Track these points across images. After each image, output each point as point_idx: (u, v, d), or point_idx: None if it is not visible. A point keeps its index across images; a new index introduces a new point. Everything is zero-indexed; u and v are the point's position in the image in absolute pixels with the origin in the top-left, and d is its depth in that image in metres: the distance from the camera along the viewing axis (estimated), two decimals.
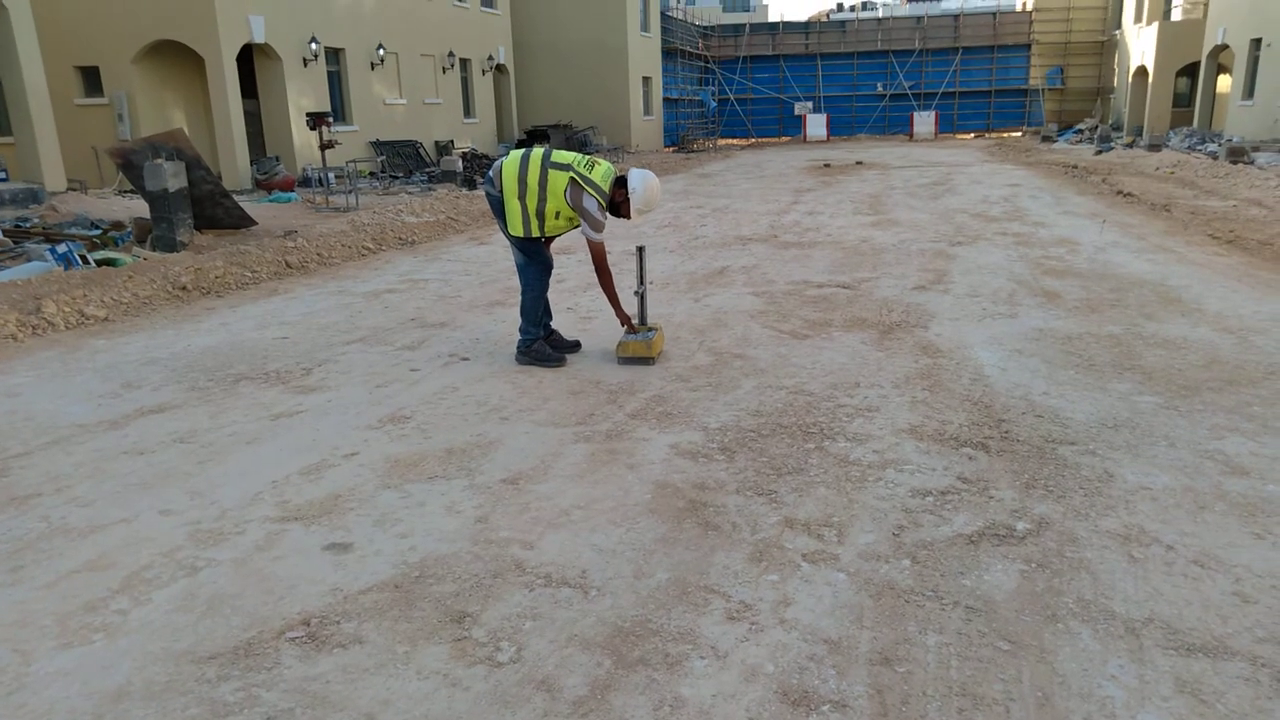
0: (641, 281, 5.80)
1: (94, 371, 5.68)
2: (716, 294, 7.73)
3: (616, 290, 5.65)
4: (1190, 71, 29.47)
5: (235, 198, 12.92)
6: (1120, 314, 6.52)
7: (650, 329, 5.79)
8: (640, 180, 5.43)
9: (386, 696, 2.40)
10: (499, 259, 9.73)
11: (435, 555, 3.18)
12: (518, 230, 5.45)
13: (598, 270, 5.54)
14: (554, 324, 6.01)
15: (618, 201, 5.46)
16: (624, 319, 5.70)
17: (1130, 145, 26.64)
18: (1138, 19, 32.71)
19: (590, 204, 5.31)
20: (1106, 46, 37.47)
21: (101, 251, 10.42)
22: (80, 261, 9.61)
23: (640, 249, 5.79)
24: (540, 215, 5.39)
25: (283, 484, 3.83)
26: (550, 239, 5.71)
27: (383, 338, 6.43)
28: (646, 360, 5.59)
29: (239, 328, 6.84)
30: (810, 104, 39.25)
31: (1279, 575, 2.92)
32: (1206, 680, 2.41)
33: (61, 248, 9.69)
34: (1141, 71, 31.65)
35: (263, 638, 2.68)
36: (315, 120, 16.23)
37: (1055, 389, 4.88)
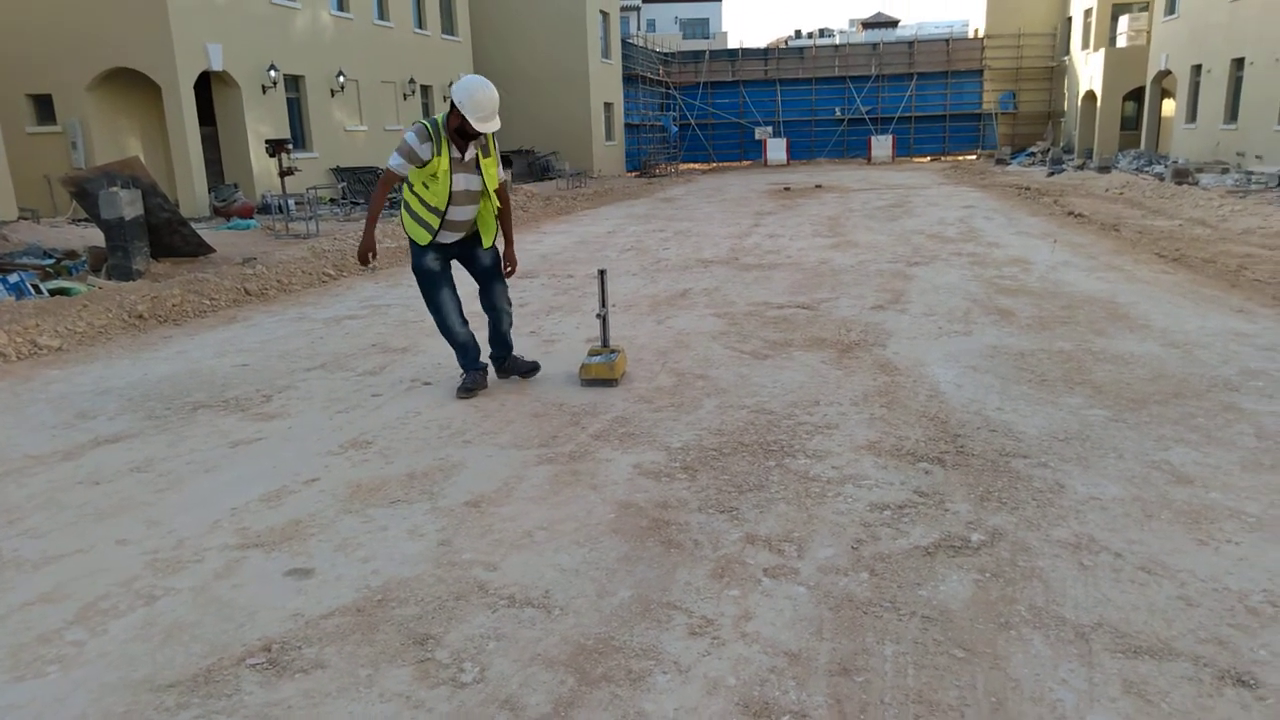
0: (604, 304, 5.85)
1: (47, 402, 5.59)
2: (679, 316, 7.81)
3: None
4: (1137, 96, 30.42)
5: (193, 225, 12.79)
6: (1071, 330, 6.70)
7: (613, 351, 5.83)
8: (463, 89, 4.97)
9: (350, 718, 2.39)
10: (461, 285, 9.70)
11: (398, 578, 3.18)
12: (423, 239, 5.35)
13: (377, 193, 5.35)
14: (513, 344, 5.98)
15: (459, 127, 5.03)
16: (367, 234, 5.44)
17: (1081, 167, 27.37)
18: (1085, 45, 33.73)
19: (407, 135, 5.05)
20: (1056, 72, 38.54)
21: (55, 281, 10.24)
22: (33, 291, 9.45)
23: (602, 272, 5.85)
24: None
25: (242, 511, 3.80)
26: (450, 253, 5.54)
27: (344, 364, 6.41)
28: (609, 382, 5.63)
29: (197, 355, 6.76)
30: (770, 129, 39.78)
31: (1221, 579, 3.02)
32: (1152, 681, 2.48)
33: (13, 277, 9.51)
34: (1090, 96, 32.60)
35: (222, 665, 2.66)
36: (275, 147, 16.15)
37: (1009, 404, 5.00)
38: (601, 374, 5.64)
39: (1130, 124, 31.79)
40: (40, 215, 16.30)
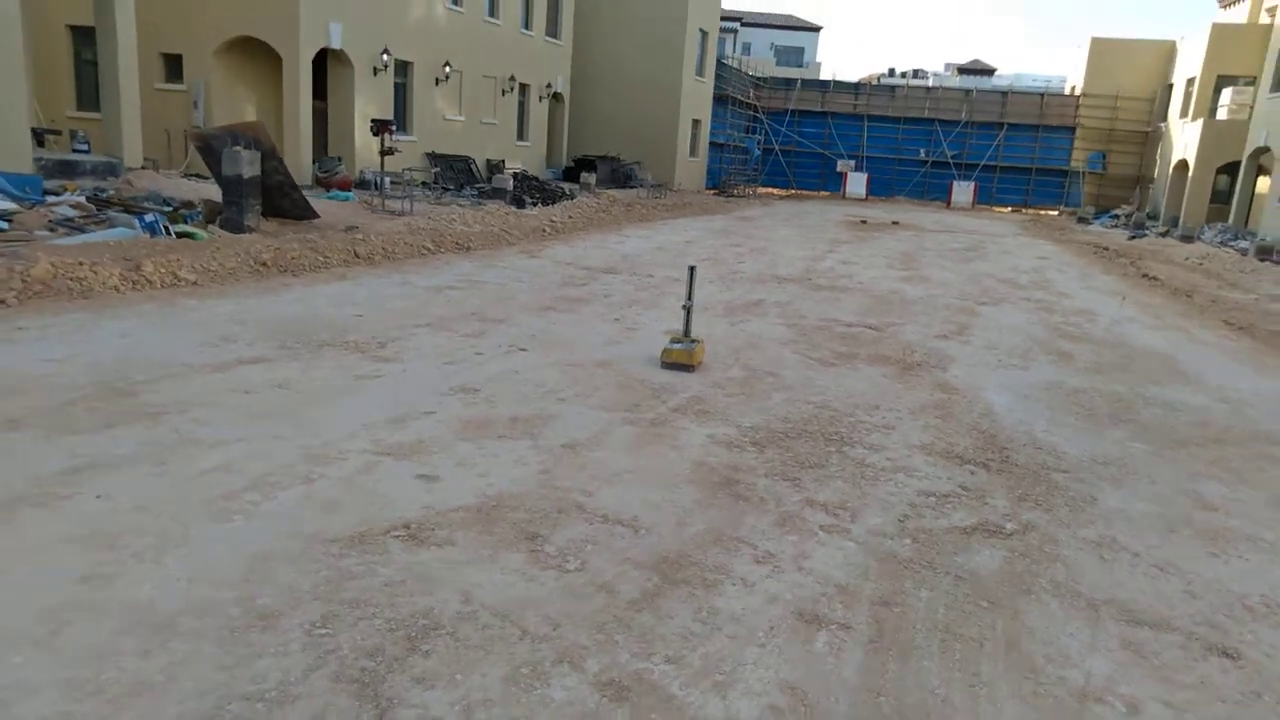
0: (689, 297, 6.38)
1: (191, 325, 6.32)
2: (752, 321, 8.31)
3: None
4: (1231, 170, 30.00)
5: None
6: (1126, 377, 7.03)
7: (693, 340, 6.36)
8: None
9: (478, 581, 2.96)
10: (549, 271, 10.38)
11: (509, 492, 3.75)
12: None
13: None
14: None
15: None
16: None
17: (1164, 235, 27.12)
18: (1184, 114, 33.35)
19: None
20: (1150, 137, 38.10)
21: (181, 225, 11.17)
22: (164, 232, 10.35)
23: (691, 269, 6.38)
24: None
25: (373, 427, 4.42)
26: None
27: (447, 325, 7.05)
28: (688, 367, 6.16)
29: (315, 304, 7.48)
30: (853, 162, 40.04)
31: (1225, 583, 3.42)
32: (1148, 644, 2.91)
33: (149, 217, 10.43)
34: (1182, 165, 32.22)
35: (372, 533, 3.25)
36: (379, 127, 17.09)
37: (1056, 429, 5.40)
38: (681, 359, 6.17)
39: (1221, 198, 31.31)
40: (159, 166, 17.50)
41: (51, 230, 9.69)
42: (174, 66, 19.61)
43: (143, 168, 16.20)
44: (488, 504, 3.60)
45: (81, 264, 6.98)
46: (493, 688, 2.38)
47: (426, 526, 3.34)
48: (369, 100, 20.68)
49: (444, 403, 4.96)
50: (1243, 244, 22.99)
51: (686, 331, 6.46)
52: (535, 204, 19.54)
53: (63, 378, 4.79)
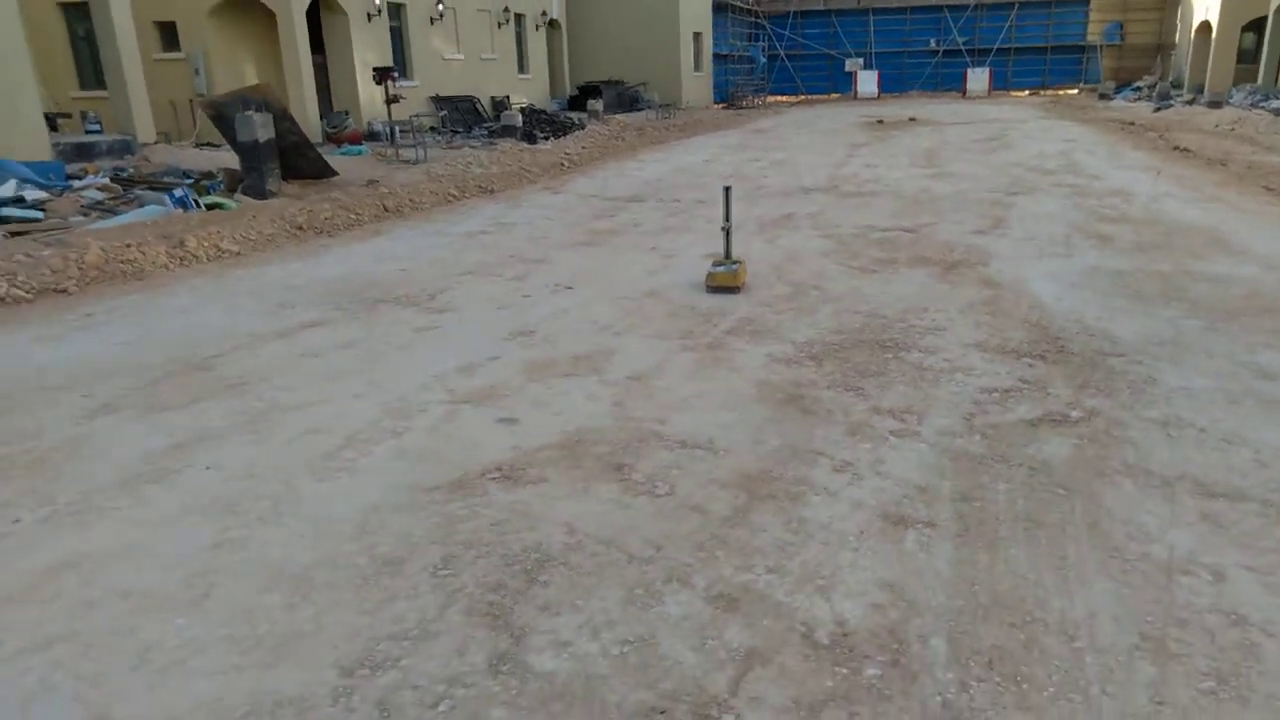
0: (727, 218, 6.40)
1: (246, 295, 6.47)
2: (786, 236, 8.32)
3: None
4: (1257, 27, 28.85)
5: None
6: (1169, 254, 7.00)
7: (735, 262, 6.41)
8: None
9: (577, 512, 3.12)
10: (575, 205, 10.39)
11: (587, 427, 3.89)
12: None
13: None
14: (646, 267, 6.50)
15: None
16: None
17: (1190, 103, 26.34)
18: None
19: None
20: (1170, 1, 36.64)
21: (209, 197, 11.26)
22: (195, 205, 10.45)
23: (727, 189, 6.39)
24: None
25: (444, 378, 4.57)
26: None
27: (489, 270, 7.14)
28: (733, 289, 6.23)
29: (357, 262, 7.59)
30: (861, 60, 39.00)
31: None
32: (1224, 514, 3.03)
33: (178, 192, 10.53)
34: (1205, 26, 30.99)
35: (468, 478, 3.42)
36: (381, 75, 16.91)
37: (1107, 314, 5.44)
38: (726, 281, 6.24)
39: (1248, 58, 30.14)
40: (171, 138, 17.50)
41: (85, 215, 9.82)
42: (169, 35, 19.39)
43: (156, 142, 16.22)
44: (570, 440, 3.75)
45: (129, 246, 7.13)
46: (613, 610, 2.55)
47: (518, 467, 3.50)
48: (367, 48, 20.39)
49: (505, 347, 5.09)
50: (1275, 104, 22.29)
51: (727, 253, 6.50)
52: (547, 138, 19.35)
53: (140, 358, 4.97)
